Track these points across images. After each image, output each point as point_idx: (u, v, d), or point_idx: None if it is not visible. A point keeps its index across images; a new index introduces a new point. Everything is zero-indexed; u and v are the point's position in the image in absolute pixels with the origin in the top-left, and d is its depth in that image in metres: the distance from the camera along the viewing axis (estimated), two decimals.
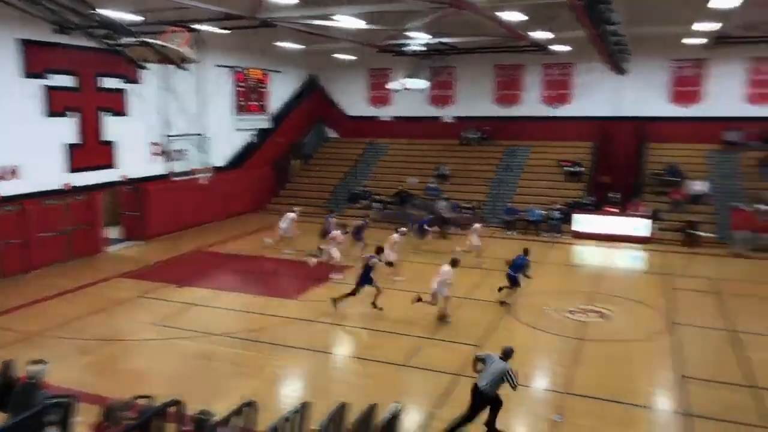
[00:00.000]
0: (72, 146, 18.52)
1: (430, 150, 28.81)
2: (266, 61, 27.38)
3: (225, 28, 18.95)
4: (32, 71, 17.12)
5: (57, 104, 17.91)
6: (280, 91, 29.08)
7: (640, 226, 21.68)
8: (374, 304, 13.78)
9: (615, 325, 13.46)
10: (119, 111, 20.10)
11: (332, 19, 16.87)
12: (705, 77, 25.39)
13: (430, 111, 29.81)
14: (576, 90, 27.29)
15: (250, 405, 6.98)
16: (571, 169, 25.69)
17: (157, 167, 21.07)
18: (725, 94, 24.89)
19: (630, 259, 20.20)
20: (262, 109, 27.90)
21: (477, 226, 18.87)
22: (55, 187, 17.97)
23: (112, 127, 19.77)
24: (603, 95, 26.41)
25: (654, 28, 19.87)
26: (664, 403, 10.12)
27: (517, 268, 14.36)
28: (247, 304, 14.85)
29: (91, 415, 6.83)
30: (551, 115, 27.71)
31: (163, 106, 20.94)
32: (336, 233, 17.14)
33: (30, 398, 6.71)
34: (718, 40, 22.13)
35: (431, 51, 25.10)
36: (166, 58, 14.62)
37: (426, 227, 20.12)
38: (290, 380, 11.16)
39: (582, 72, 26.79)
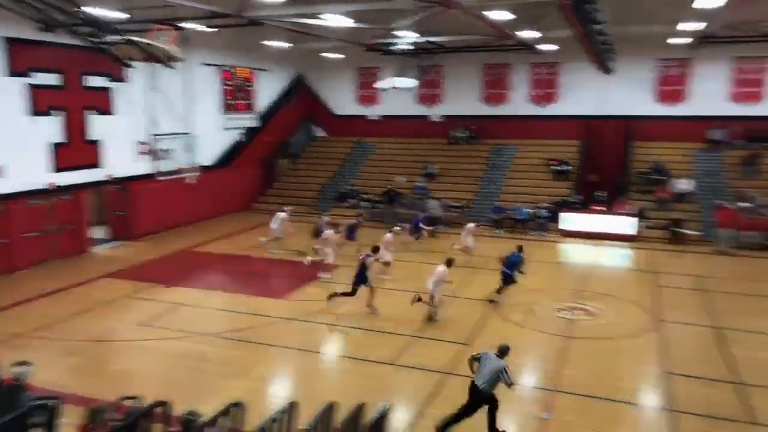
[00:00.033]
0: (57, 145, 18.31)
1: (418, 149, 28.83)
2: (253, 60, 27.26)
3: (212, 27, 18.82)
4: (16, 70, 16.92)
5: (42, 103, 17.71)
6: (268, 89, 28.95)
7: (626, 224, 21.82)
8: (369, 306, 13.69)
9: (602, 323, 13.55)
10: (105, 110, 19.89)
11: (320, 18, 16.83)
12: (690, 76, 25.63)
13: (418, 110, 29.81)
14: (563, 89, 27.43)
15: (237, 405, 6.96)
16: (559, 167, 25.81)
17: (143, 166, 20.94)
18: (710, 94, 25.15)
19: (617, 257, 20.34)
20: (249, 107, 27.77)
21: (471, 225, 18.57)
22: (40, 186, 17.76)
23: (97, 126, 19.56)
24: (590, 94, 26.54)
25: (639, 28, 20.01)
26: (650, 399, 10.21)
27: (512, 266, 14.39)
28: (235, 303, 14.79)
29: (76, 416, 6.78)
30: (539, 114, 27.83)
31: (149, 104, 20.81)
32: (329, 233, 17.12)
33: (14, 400, 6.65)
34: (702, 40, 22.40)
35: (419, 50, 25.13)
36: (152, 56, 14.57)
37: (421, 225, 20.15)
38: (278, 380, 11.16)
39: (569, 71, 26.94)
